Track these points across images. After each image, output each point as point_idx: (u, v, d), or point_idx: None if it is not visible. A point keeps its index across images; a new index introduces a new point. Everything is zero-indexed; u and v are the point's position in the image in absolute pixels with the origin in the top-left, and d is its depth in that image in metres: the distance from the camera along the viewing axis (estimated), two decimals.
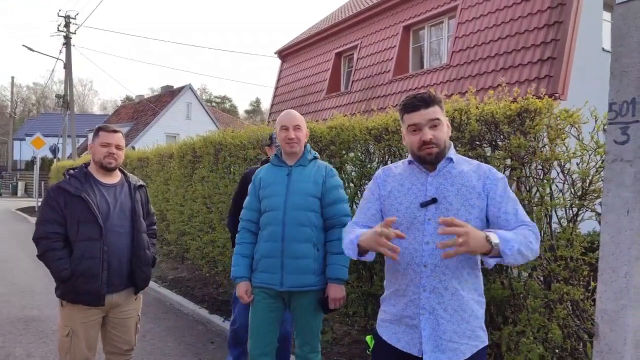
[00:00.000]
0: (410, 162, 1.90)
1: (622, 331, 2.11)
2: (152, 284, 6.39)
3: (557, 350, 2.74)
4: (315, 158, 2.77)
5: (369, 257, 1.81)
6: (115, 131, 2.72)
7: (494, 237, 1.58)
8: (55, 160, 20.58)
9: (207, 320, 4.97)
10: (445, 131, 1.84)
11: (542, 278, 2.80)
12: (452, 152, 1.87)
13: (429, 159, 1.81)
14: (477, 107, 3.05)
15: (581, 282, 2.62)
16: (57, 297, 2.62)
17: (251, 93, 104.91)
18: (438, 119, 1.80)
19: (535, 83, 7.92)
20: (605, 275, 2.18)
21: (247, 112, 63.64)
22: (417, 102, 1.80)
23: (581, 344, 2.64)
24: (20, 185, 30.85)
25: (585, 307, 2.62)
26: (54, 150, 20.39)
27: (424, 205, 1.79)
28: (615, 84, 2.26)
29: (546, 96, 2.78)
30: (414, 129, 1.81)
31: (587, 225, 2.89)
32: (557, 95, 7.55)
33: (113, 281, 2.59)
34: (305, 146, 2.75)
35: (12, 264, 7.96)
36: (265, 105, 18.87)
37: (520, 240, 1.63)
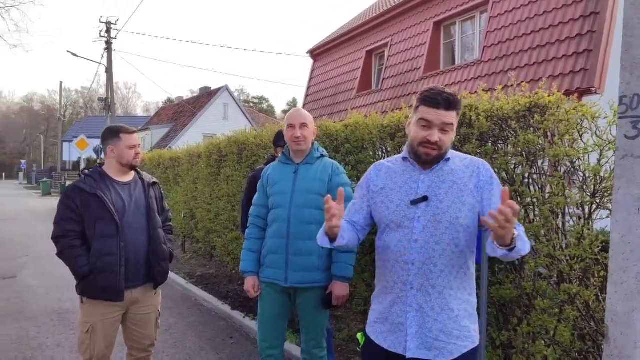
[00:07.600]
0: (404, 159, 1.87)
1: (633, 334, 2.01)
2: (180, 280, 6.58)
3: (570, 353, 2.64)
4: (322, 156, 2.78)
5: (340, 241, 1.81)
6: (134, 132, 2.83)
7: (516, 235, 1.58)
8: (98, 160, 21.47)
9: (228, 316, 5.08)
10: (452, 138, 1.79)
11: (554, 278, 2.70)
12: (449, 152, 1.83)
13: (424, 159, 1.77)
14: (489, 103, 2.98)
15: (595, 283, 2.51)
16: (77, 295, 2.69)
17: (288, 93, 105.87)
18: (452, 124, 1.75)
19: (570, 77, 7.62)
20: (615, 276, 2.09)
21: (284, 112, 64.29)
22: (440, 100, 1.72)
23: (595, 347, 2.53)
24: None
25: (599, 309, 2.51)
26: (97, 151, 21.26)
27: (415, 203, 1.77)
28: (625, 76, 2.15)
29: (557, 91, 2.68)
30: (425, 124, 1.75)
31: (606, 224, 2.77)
32: (593, 89, 7.23)
33: (131, 277, 2.65)
34: (312, 144, 2.76)
35: (49, 260, 8.37)
36: (301, 105, 18.99)
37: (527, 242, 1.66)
